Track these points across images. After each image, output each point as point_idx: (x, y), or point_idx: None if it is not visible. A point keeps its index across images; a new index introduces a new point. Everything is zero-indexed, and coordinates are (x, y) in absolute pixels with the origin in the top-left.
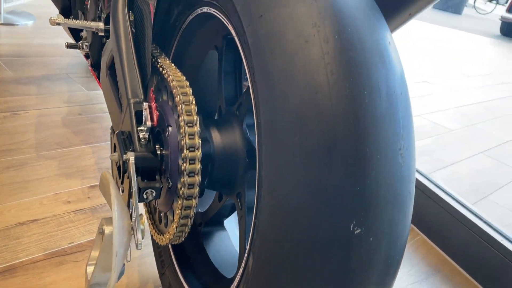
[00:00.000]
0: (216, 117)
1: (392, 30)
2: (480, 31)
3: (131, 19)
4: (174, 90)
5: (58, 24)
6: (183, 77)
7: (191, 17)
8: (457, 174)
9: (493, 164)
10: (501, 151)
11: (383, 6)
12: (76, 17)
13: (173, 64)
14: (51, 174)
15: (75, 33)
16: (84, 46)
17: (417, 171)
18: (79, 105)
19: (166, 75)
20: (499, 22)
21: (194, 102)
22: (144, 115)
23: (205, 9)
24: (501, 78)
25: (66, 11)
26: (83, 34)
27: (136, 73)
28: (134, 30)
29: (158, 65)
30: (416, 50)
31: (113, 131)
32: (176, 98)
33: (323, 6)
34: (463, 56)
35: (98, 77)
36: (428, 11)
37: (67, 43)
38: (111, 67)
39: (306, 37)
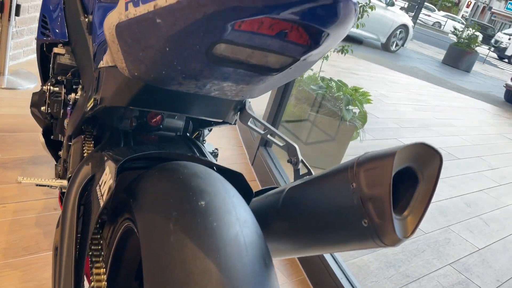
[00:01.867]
0: None
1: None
2: (485, 96)
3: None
4: None
5: (20, 183)
6: None
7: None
8: None
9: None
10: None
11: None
12: (56, 141)
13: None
14: None
15: (55, 154)
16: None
17: None
18: (57, 198)
19: None
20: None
21: None
22: None
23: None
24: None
25: (48, 132)
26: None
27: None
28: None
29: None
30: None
31: None
32: None
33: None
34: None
35: None
36: (436, 66)
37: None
38: None
39: None
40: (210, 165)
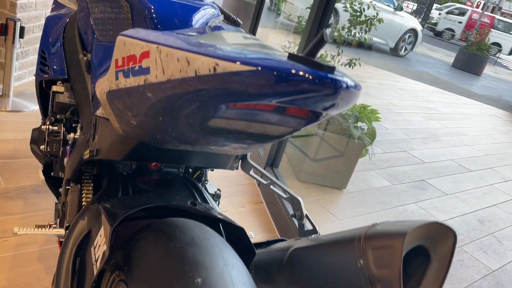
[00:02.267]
0: None
1: None
2: (497, 101)
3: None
4: None
5: (16, 234)
6: None
7: None
8: None
9: None
10: None
11: None
12: (56, 177)
13: None
14: None
15: (56, 190)
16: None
17: None
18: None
19: None
20: None
21: None
22: None
23: None
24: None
25: (48, 168)
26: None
27: None
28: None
29: None
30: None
31: None
32: None
33: None
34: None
35: None
36: (446, 70)
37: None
38: None
39: None
40: (211, 215)
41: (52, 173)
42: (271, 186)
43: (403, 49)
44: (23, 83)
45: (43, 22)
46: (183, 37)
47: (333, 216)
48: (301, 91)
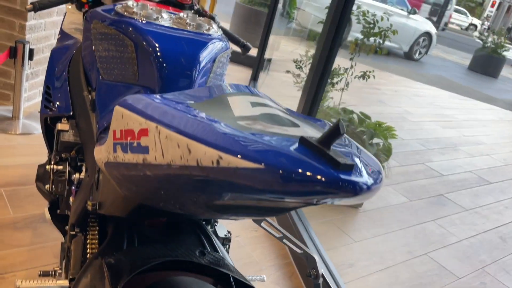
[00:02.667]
0: None
1: None
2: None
3: None
4: None
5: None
6: None
7: None
8: None
9: None
10: None
11: None
12: (62, 215)
13: None
14: None
15: (62, 228)
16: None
17: None
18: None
19: None
20: None
21: None
22: None
23: None
24: None
25: (54, 206)
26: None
27: None
28: None
29: None
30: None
31: None
32: None
33: None
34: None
35: None
36: (462, 74)
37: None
38: None
39: None
40: (220, 270)
41: (58, 211)
42: (284, 240)
43: (418, 52)
44: (33, 103)
45: (52, 42)
46: (185, 109)
47: (349, 238)
48: (314, 193)
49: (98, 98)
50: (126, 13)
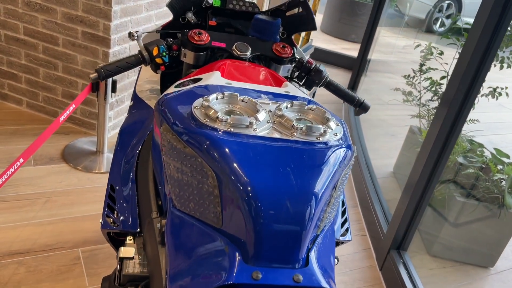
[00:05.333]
0: None
1: None
2: None
3: None
4: None
5: None
6: None
7: None
8: None
9: None
10: None
11: None
12: None
13: None
14: None
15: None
16: None
17: None
18: None
19: None
20: None
21: None
22: None
23: None
24: None
25: None
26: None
27: None
28: None
29: None
30: None
31: None
32: None
33: None
34: None
35: None
36: None
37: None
38: None
39: None
40: None
41: None
42: None
43: None
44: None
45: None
46: None
47: None
48: None
49: (169, 231)
50: (206, 121)
